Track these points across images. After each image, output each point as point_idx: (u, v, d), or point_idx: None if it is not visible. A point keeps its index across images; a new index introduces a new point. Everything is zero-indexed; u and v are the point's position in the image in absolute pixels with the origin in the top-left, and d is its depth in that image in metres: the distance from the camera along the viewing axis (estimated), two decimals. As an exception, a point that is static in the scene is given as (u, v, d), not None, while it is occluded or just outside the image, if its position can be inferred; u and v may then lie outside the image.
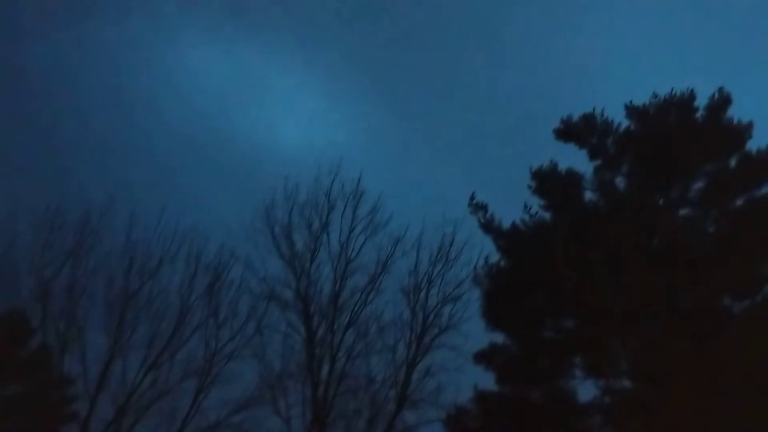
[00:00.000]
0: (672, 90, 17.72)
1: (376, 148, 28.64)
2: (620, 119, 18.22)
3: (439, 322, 19.97)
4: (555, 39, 29.95)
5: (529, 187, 18.80)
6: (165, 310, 20.58)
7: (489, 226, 18.86)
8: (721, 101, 17.59)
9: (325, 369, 20.03)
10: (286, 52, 32.72)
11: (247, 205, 20.92)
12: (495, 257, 19.01)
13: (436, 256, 19.94)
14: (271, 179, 21.12)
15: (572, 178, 18.53)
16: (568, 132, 18.50)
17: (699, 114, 17.72)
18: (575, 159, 18.68)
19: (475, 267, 19.07)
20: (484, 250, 19.12)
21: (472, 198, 18.80)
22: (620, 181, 18.20)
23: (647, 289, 16.17)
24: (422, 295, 19.99)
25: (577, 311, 17.56)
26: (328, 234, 20.54)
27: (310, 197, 20.77)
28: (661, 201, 17.77)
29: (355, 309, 20.28)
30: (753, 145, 17.39)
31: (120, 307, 20.32)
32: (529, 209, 18.63)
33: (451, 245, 19.95)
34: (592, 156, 18.39)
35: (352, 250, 20.47)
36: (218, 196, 24.75)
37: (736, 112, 17.57)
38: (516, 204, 18.96)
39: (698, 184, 17.61)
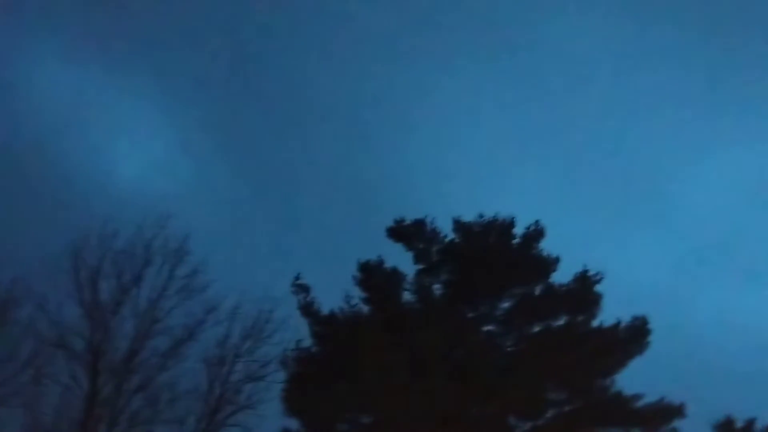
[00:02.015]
0: (496, 214, 19.12)
1: (215, 213, 27.89)
2: (447, 231, 19.34)
3: (237, 400, 19.10)
4: (411, 142, 31.44)
5: (354, 278, 19.20)
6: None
7: (308, 310, 18.83)
8: (536, 233, 19.18)
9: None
10: (145, 95, 31.60)
11: (56, 241, 19.23)
12: (308, 342, 18.97)
13: (249, 331, 19.32)
14: (92, 218, 19.66)
15: (395, 277, 19.16)
16: (399, 233, 19.25)
17: (515, 240, 19.17)
18: (402, 259, 19.48)
19: (285, 349, 18.69)
20: (299, 332, 18.96)
21: (297, 278, 18.79)
22: (437, 289, 19.08)
23: (442, 397, 16.70)
24: (225, 369, 19.14)
25: (375, 409, 17.72)
26: (138, 289, 19.32)
27: (128, 246, 19.54)
28: (470, 314, 18.73)
29: (150, 373, 18.94)
30: (557, 278, 19.07)
31: None
32: (350, 300, 18.94)
33: (266, 322, 19.43)
34: (417, 260, 19.21)
35: (161, 311, 19.32)
36: (26, 225, 22.55)
37: (547, 245, 19.27)
38: (341, 292, 19.19)
39: (505, 305, 18.86)
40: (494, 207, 19.31)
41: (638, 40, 30.45)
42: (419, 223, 19.01)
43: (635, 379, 18.55)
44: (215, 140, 31.67)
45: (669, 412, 17.88)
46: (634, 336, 17.95)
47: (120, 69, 31.24)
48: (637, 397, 17.79)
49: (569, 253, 19.58)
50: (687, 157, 30.63)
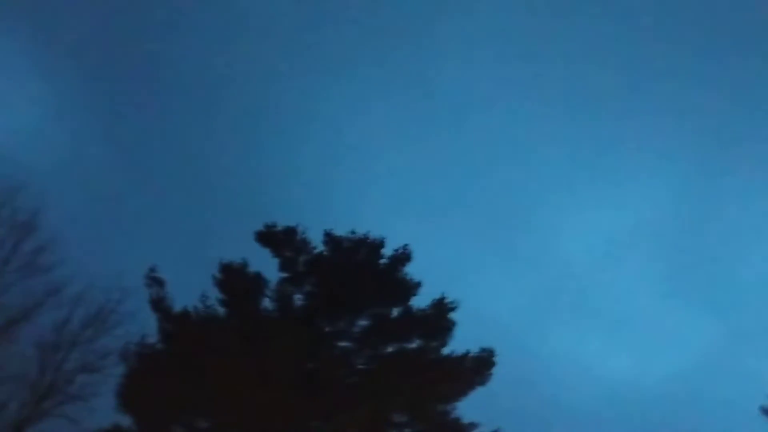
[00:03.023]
0: (367, 232, 19.16)
1: (80, 192, 26.31)
2: (318, 242, 19.18)
3: (68, 390, 17.95)
4: (300, 151, 31.19)
5: (214, 277, 18.64)
6: None
7: (159, 304, 18.05)
8: (403, 256, 19.35)
9: None
10: (23, 59, 29.38)
11: None
12: (154, 338, 18.18)
13: (91, 319, 18.21)
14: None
15: (257, 282, 18.77)
16: (268, 238, 18.91)
17: (383, 261, 19.29)
18: (267, 265, 19.13)
19: (128, 342, 17.78)
20: (147, 327, 18.14)
21: (151, 270, 17.98)
22: (299, 299, 18.85)
23: (286, 409, 16.51)
24: (60, 356, 17.94)
25: (214, 415, 17.24)
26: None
27: (-31, 212, 17.93)
28: (327, 328, 18.67)
29: (-25, 351, 17.42)
30: (416, 303, 19.33)
31: None
32: (206, 300, 18.36)
33: (111, 312, 18.41)
34: (282, 268, 18.92)
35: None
36: None
37: (412, 270, 19.49)
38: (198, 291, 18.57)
39: (363, 323, 18.92)
40: (368, 227, 19.46)
41: (527, 88, 32.07)
42: (290, 231, 18.75)
43: (476, 408, 19.23)
44: (95, 119, 30.00)
45: (502, 443, 18.59)
46: (479, 367, 18.54)
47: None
48: (473, 425, 18.39)
49: (432, 280, 20.04)
50: (556, 203, 32.50)
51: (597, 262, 31.64)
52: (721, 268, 30.23)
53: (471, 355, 18.70)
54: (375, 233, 19.24)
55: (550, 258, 31.14)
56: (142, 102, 30.79)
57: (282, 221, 19.07)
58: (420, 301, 19.20)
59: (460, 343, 19.04)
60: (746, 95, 31.04)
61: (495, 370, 18.87)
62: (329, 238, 19.01)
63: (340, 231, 19.14)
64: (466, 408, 18.95)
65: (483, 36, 31.21)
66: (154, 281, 17.97)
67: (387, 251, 19.25)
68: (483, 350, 18.74)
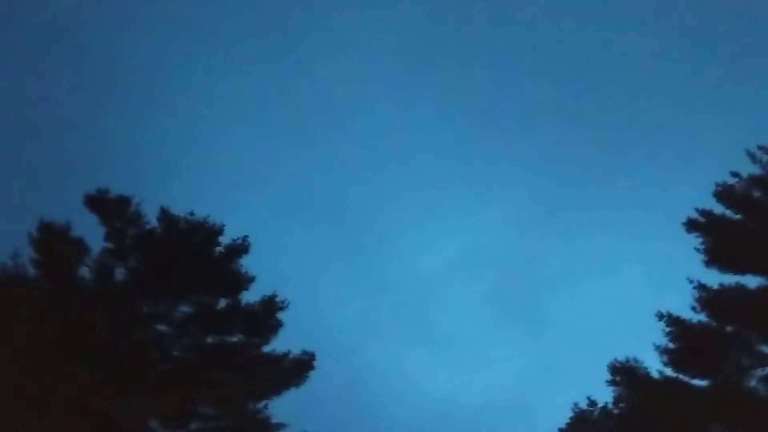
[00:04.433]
0: (207, 216, 18.52)
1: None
2: (153, 218, 18.32)
3: None
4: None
5: (31, 236, 17.36)
6: None
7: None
8: (241, 248, 18.79)
9: None
10: None
11: None
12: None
13: None
14: None
15: (78, 248, 17.67)
16: (97, 204, 17.91)
17: (218, 249, 18.70)
18: (94, 233, 18.04)
19: None
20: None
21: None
22: (120, 273, 17.92)
23: (84, 385, 15.66)
24: None
25: (5, 382, 15.96)
26: None
27: None
28: (145, 309, 17.87)
29: None
30: (246, 297, 18.78)
31: None
32: (17, 258, 17.06)
33: None
34: (108, 238, 17.94)
35: None
36: None
37: (248, 263, 18.97)
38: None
39: (185, 309, 18.24)
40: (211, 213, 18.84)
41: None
42: (123, 201, 17.79)
43: (292, 411, 19.07)
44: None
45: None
46: (297, 369, 18.33)
47: None
48: (281, 425, 18.22)
49: (268, 278, 19.64)
50: (403, 217, 33.25)
51: (433, 279, 32.68)
52: (545, 301, 32.09)
53: (291, 356, 18.53)
54: (216, 219, 18.76)
55: (390, 271, 31.89)
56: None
57: (118, 189, 18.15)
58: (250, 296, 18.83)
59: (287, 343, 18.93)
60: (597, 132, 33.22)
61: (315, 375, 18.88)
62: (165, 215, 18.23)
63: (179, 211, 18.50)
64: (282, 410, 18.78)
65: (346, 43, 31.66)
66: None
67: (225, 240, 18.73)
68: (304, 353, 18.62)
